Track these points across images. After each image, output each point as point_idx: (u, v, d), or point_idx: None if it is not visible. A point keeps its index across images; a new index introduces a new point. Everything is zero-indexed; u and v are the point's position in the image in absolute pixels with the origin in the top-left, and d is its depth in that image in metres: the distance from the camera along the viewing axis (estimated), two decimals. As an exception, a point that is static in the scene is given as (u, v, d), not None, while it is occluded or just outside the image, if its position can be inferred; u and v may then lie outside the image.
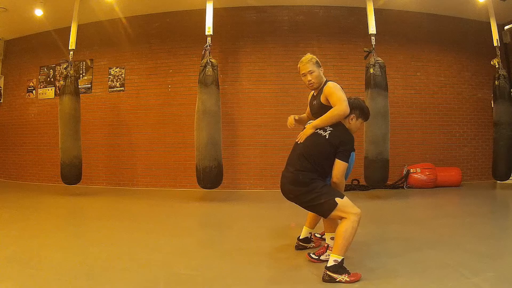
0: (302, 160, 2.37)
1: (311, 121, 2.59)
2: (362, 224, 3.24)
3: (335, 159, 2.34)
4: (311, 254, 2.59)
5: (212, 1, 5.30)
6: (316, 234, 3.05)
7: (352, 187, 6.02)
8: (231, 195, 5.77)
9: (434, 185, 6.03)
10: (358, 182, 6.13)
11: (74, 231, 3.63)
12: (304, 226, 2.87)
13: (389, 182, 5.91)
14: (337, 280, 2.12)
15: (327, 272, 2.15)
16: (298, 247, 2.85)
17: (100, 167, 6.84)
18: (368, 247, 2.88)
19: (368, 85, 5.03)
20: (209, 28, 5.20)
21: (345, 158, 2.34)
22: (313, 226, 2.86)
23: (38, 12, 6.07)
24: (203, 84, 4.98)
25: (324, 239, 2.72)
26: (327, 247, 2.58)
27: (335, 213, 2.23)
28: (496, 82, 5.67)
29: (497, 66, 5.69)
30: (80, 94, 5.83)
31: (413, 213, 4.60)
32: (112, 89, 6.92)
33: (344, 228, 2.18)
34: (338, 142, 2.34)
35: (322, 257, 2.54)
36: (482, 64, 6.67)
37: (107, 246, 2.97)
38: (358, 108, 2.50)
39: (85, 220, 4.24)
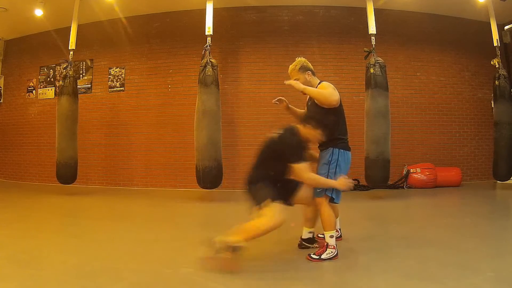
0: (257, 163, 2.63)
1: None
2: (361, 224, 3.26)
3: (284, 162, 2.46)
4: (311, 254, 2.59)
5: (212, 1, 5.30)
6: (319, 235, 3.05)
7: (352, 187, 6.01)
8: (231, 195, 5.76)
9: (434, 185, 6.03)
10: (358, 182, 6.13)
11: (74, 231, 3.63)
12: (303, 227, 2.87)
13: (389, 182, 5.91)
14: (222, 256, 2.23)
15: (226, 247, 2.25)
16: (301, 246, 2.84)
17: (100, 167, 6.84)
18: (368, 246, 2.88)
19: (368, 85, 5.03)
20: (209, 28, 5.20)
21: (295, 159, 2.44)
22: (311, 225, 2.84)
23: (38, 12, 6.07)
24: (203, 84, 4.98)
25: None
26: (327, 245, 2.58)
27: (265, 211, 2.36)
28: (496, 82, 5.67)
29: (497, 66, 5.69)
30: (80, 94, 5.85)
31: (413, 213, 4.60)
32: (112, 89, 6.92)
33: (258, 222, 2.34)
34: (282, 144, 2.49)
35: (323, 256, 2.54)
36: (482, 64, 6.67)
37: (107, 246, 2.97)
38: (314, 120, 2.55)
39: (85, 220, 4.23)
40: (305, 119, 2.61)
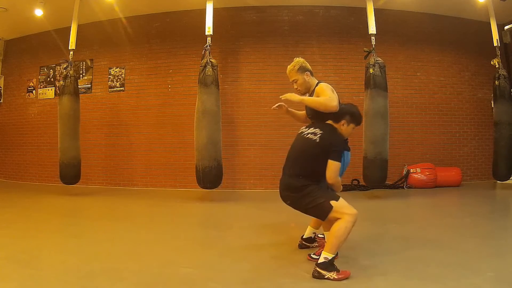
0: (295, 166, 2.45)
1: (304, 127, 2.61)
2: (361, 224, 3.25)
3: (327, 161, 2.36)
4: (311, 254, 2.60)
5: (212, 1, 5.30)
6: (319, 235, 3.05)
7: (352, 187, 6.01)
8: (231, 195, 5.77)
9: (434, 185, 6.03)
10: (358, 182, 6.13)
11: (74, 231, 3.63)
12: (308, 226, 2.87)
13: (389, 182, 5.91)
14: (326, 277, 2.16)
15: (317, 268, 2.20)
16: (301, 246, 2.85)
17: (100, 167, 6.84)
18: (367, 246, 2.88)
19: (368, 85, 5.03)
20: (209, 28, 5.19)
21: (337, 158, 2.36)
22: (318, 226, 2.85)
23: (38, 12, 6.07)
24: (203, 84, 4.98)
25: None
26: (327, 246, 2.58)
27: (332, 215, 2.27)
28: (496, 82, 5.67)
29: (497, 66, 5.69)
30: (80, 94, 5.84)
31: (413, 213, 4.60)
32: (112, 89, 6.92)
33: (338, 227, 2.22)
34: (329, 143, 2.38)
35: (323, 256, 2.54)
36: (482, 64, 6.67)
37: (107, 246, 2.97)
38: (348, 113, 2.51)
39: (85, 220, 4.23)
40: (315, 115, 2.58)
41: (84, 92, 6.88)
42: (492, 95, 5.99)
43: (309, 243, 2.85)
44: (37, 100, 7.45)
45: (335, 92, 2.56)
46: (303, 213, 2.47)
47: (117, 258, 2.65)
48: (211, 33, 5.18)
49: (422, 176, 6.05)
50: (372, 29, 5.21)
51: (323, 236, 2.99)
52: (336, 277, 2.16)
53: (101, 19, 6.71)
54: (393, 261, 2.50)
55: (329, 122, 2.54)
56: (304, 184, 2.36)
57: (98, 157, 6.82)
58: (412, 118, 6.59)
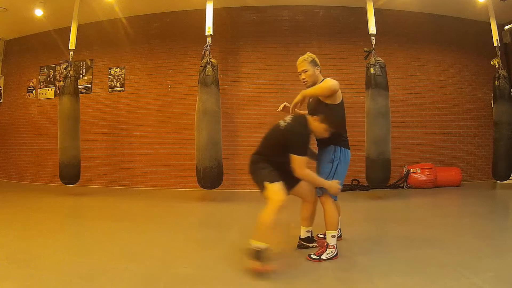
0: (260, 145, 2.63)
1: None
2: (361, 224, 3.26)
3: (284, 150, 2.44)
4: (311, 255, 2.59)
5: (212, 1, 5.30)
6: (319, 235, 3.05)
7: (352, 187, 6.02)
8: (231, 195, 5.77)
9: (434, 185, 6.03)
10: (358, 182, 6.13)
11: (74, 231, 3.63)
12: (301, 226, 2.87)
13: (389, 182, 5.91)
14: (251, 265, 2.27)
15: (251, 254, 2.28)
16: (300, 246, 2.84)
17: (100, 167, 6.84)
18: (367, 246, 2.88)
19: (369, 85, 5.03)
20: (209, 28, 5.19)
21: (298, 152, 2.43)
22: (309, 223, 2.83)
23: (38, 12, 6.06)
24: (203, 84, 4.98)
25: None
26: (327, 245, 2.58)
27: (265, 193, 2.42)
28: (496, 82, 5.67)
29: (497, 66, 5.68)
30: (80, 94, 5.84)
31: (413, 212, 4.60)
32: (112, 89, 6.92)
33: (266, 212, 2.32)
34: (289, 133, 2.48)
35: (323, 256, 2.54)
36: (482, 64, 6.67)
37: (107, 246, 2.97)
38: (326, 114, 2.54)
39: (85, 220, 4.23)
40: (314, 112, 2.60)
41: (84, 92, 6.88)
42: (492, 95, 5.98)
43: (309, 243, 2.84)
44: (37, 100, 7.45)
45: (338, 86, 2.60)
46: (300, 212, 2.48)
47: (117, 258, 2.65)
48: (211, 33, 5.18)
49: (422, 176, 6.05)
50: (372, 29, 5.21)
51: (323, 236, 2.99)
52: (258, 268, 2.25)
53: (101, 19, 6.71)
54: (393, 261, 2.50)
55: (307, 115, 2.60)
56: (259, 161, 2.53)
57: (98, 157, 6.82)
58: (412, 118, 6.59)
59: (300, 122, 2.54)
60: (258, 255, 2.25)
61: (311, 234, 2.88)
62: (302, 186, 2.64)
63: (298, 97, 2.68)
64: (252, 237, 2.31)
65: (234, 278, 2.27)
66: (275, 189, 2.38)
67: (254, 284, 2.18)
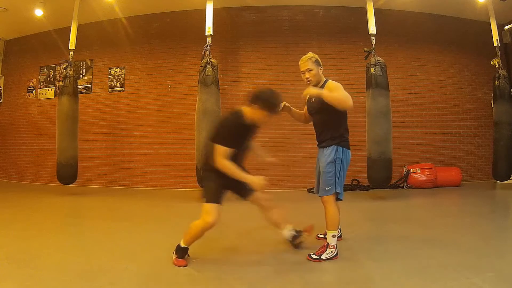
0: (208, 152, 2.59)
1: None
2: (361, 224, 3.25)
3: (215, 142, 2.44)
4: (311, 254, 2.59)
5: (212, 1, 5.30)
6: (319, 235, 3.05)
7: (352, 187, 6.02)
8: (231, 195, 5.75)
9: (434, 185, 6.03)
10: (358, 182, 6.13)
11: (74, 231, 3.63)
12: (280, 231, 2.81)
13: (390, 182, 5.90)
14: (173, 258, 2.49)
15: (175, 249, 2.51)
16: (296, 247, 2.82)
17: (100, 167, 6.84)
18: (368, 246, 2.88)
19: (369, 85, 5.03)
20: (209, 28, 5.20)
21: (222, 142, 2.39)
22: (283, 225, 2.79)
23: (38, 12, 6.07)
24: (203, 84, 4.98)
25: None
26: (327, 245, 2.58)
27: (202, 209, 2.46)
28: (496, 82, 5.67)
29: (497, 66, 5.69)
30: (80, 94, 5.85)
31: (413, 212, 4.60)
32: (112, 89, 6.92)
33: (194, 223, 2.45)
34: (218, 124, 2.53)
35: (323, 256, 2.54)
36: (482, 64, 6.67)
37: (107, 246, 2.97)
38: (261, 99, 2.40)
39: (85, 220, 4.23)
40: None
41: (84, 92, 6.88)
42: (492, 95, 5.98)
43: (298, 239, 2.79)
44: (37, 100, 7.45)
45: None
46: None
47: (117, 258, 2.65)
48: (211, 33, 5.19)
49: (422, 176, 6.05)
50: (372, 29, 5.21)
51: (323, 236, 2.99)
52: (174, 260, 2.48)
53: (101, 19, 6.71)
54: (393, 261, 2.50)
55: (244, 105, 2.49)
56: (211, 169, 2.49)
57: (98, 157, 6.82)
58: (412, 118, 6.59)
59: (233, 114, 2.49)
60: (181, 250, 2.49)
61: (293, 229, 2.81)
62: (258, 194, 2.65)
63: (315, 92, 2.58)
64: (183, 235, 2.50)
65: (235, 279, 2.27)
66: (209, 210, 2.42)
67: (253, 284, 2.18)
